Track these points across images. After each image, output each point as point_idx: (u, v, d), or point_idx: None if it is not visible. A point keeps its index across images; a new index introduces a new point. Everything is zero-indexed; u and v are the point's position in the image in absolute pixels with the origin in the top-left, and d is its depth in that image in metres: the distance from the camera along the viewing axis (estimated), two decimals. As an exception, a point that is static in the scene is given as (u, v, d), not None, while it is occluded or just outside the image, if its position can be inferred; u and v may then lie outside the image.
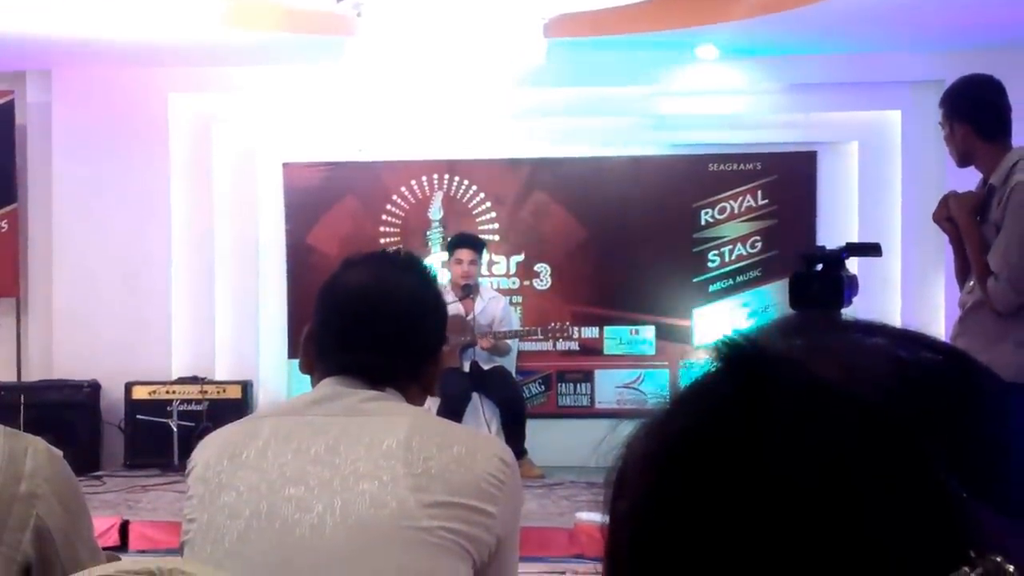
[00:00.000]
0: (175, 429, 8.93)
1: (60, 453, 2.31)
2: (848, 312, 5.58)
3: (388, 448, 2.18)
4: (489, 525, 2.16)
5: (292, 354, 9.56)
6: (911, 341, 0.75)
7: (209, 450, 2.34)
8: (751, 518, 0.67)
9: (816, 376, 0.71)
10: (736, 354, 0.73)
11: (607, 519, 0.77)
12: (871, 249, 5.63)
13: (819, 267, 5.36)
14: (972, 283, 4.70)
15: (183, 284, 9.53)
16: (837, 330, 0.77)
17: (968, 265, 4.74)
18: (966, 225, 4.66)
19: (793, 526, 0.67)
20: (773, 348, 0.73)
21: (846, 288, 5.34)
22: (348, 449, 2.20)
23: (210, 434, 2.41)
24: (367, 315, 2.32)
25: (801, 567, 0.66)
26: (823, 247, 5.63)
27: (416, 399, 2.34)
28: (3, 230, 9.45)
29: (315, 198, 9.74)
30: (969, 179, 4.96)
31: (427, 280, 2.41)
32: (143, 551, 6.80)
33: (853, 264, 5.67)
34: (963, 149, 4.72)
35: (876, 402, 0.69)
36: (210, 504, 2.23)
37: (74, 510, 2.29)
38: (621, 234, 9.49)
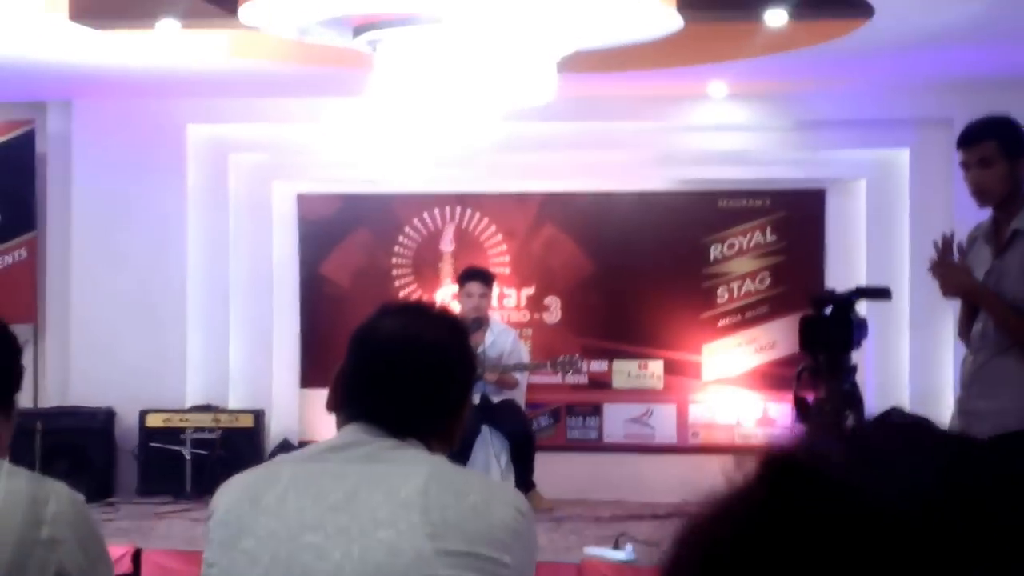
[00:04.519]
0: (188, 457, 9.00)
1: (82, 498, 2.38)
2: (858, 354, 5.66)
3: (406, 496, 2.22)
4: (504, 575, 2.22)
5: (304, 384, 9.63)
6: (965, 450, 0.75)
7: (229, 495, 2.37)
8: None
9: (851, 487, 0.70)
10: (773, 459, 0.74)
11: None
12: (881, 293, 5.69)
13: (829, 310, 5.43)
14: (978, 341, 4.69)
15: (198, 313, 9.61)
16: (885, 430, 0.77)
17: (970, 322, 4.76)
18: (989, 301, 4.64)
19: None
20: (813, 452, 0.74)
21: (855, 331, 5.41)
22: (366, 497, 2.24)
23: (230, 479, 2.43)
24: (396, 365, 2.36)
25: None
26: (833, 290, 5.69)
27: (437, 451, 2.38)
28: (22, 257, 9.56)
29: (329, 229, 9.83)
30: (971, 216, 4.96)
31: (458, 335, 2.45)
32: (156, 580, 6.86)
33: (862, 305, 5.75)
34: (1010, 188, 4.59)
35: (910, 514, 0.69)
36: (230, 549, 2.27)
37: (94, 556, 2.35)
38: (630, 268, 9.56)
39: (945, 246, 4.73)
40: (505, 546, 2.22)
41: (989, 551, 0.68)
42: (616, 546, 7.20)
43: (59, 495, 2.28)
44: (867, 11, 6.98)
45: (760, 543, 0.71)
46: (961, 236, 4.92)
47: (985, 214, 4.80)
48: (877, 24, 7.14)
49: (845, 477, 0.71)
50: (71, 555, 2.26)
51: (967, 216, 5.04)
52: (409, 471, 2.27)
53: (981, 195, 4.66)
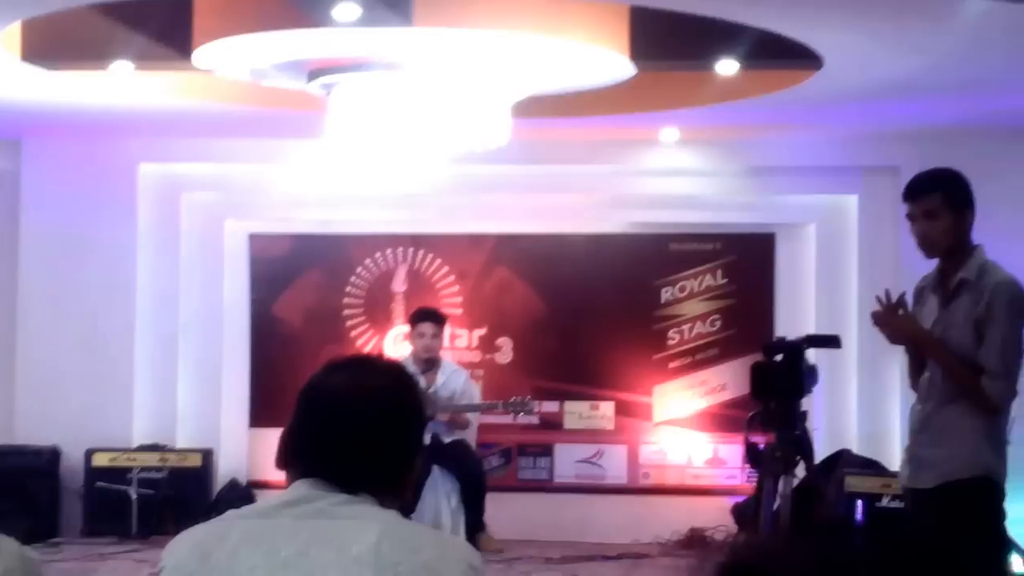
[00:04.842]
0: (135, 497, 8.91)
1: (33, 554, 2.37)
2: (807, 398, 5.71)
3: (358, 553, 2.21)
4: (457, 631, 2.22)
5: (254, 423, 9.57)
6: (915, 549, 0.77)
7: (179, 551, 2.34)
8: None
9: None
10: (729, 568, 0.76)
11: None
12: (830, 341, 5.77)
13: (780, 357, 5.49)
14: (926, 389, 4.74)
15: (146, 352, 9.54)
16: (843, 536, 0.79)
17: (918, 371, 4.81)
18: (936, 351, 4.68)
19: None
20: (767, 557, 0.76)
21: (806, 378, 5.49)
22: (318, 553, 2.23)
23: (179, 535, 2.41)
24: (344, 421, 2.35)
25: None
26: (783, 338, 5.76)
27: (390, 505, 2.38)
28: (-31, 295, 9.48)
29: (281, 269, 9.80)
30: (918, 261, 5.00)
31: (407, 388, 2.45)
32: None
33: (812, 351, 5.80)
34: (955, 240, 4.64)
35: None
36: (180, 606, 2.26)
37: None
38: (582, 310, 9.60)
39: (891, 301, 4.78)
40: (458, 603, 2.22)
41: None
42: (566, 589, 7.20)
43: (9, 552, 2.28)
44: (816, 63, 7.07)
45: None
46: (907, 282, 4.99)
47: (933, 262, 4.84)
48: (826, 75, 7.24)
49: None
50: None
51: (914, 261, 5.08)
52: (361, 527, 2.26)
53: (927, 247, 4.73)
